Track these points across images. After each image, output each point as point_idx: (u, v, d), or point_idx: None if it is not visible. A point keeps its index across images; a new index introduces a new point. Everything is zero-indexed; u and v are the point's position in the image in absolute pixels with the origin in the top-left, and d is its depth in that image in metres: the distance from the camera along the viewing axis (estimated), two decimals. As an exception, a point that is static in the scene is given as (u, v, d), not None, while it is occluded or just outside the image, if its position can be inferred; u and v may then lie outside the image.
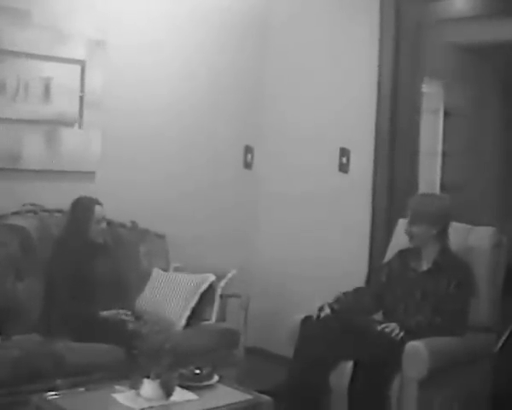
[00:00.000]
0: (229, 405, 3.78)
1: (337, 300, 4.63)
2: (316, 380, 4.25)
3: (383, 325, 4.31)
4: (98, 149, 5.40)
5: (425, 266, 4.54)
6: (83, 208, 4.94)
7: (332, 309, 4.52)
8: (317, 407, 4.28)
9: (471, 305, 4.44)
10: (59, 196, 5.06)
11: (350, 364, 4.25)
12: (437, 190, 7.94)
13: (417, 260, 4.58)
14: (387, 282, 4.66)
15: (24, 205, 4.96)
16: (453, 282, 4.39)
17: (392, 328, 4.25)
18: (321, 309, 4.51)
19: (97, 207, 4.94)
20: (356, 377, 4.20)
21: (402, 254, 4.71)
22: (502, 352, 5.01)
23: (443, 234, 4.52)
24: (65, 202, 4.98)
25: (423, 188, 6.48)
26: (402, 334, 4.22)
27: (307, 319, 4.50)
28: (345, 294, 4.68)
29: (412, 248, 4.61)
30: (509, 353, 5.22)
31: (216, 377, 4.02)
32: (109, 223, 5.15)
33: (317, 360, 4.25)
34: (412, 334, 4.22)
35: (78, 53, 5.25)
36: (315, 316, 4.48)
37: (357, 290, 4.74)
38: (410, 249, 4.65)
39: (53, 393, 3.78)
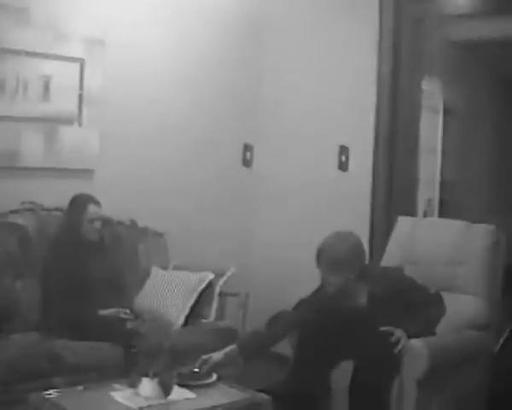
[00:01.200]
0: (227, 404, 3.76)
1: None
2: (316, 379, 4.25)
3: (387, 330, 4.14)
4: (97, 147, 5.41)
5: (362, 300, 4.29)
6: (76, 207, 4.94)
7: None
8: (317, 406, 4.28)
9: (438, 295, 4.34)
10: (58, 195, 5.05)
11: (350, 363, 4.24)
12: (437, 187, 7.96)
13: (348, 299, 4.29)
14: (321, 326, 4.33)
15: (23, 203, 4.95)
16: (400, 292, 4.21)
17: (398, 336, 4.10)
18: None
19: (92, 206, 4.92)
20: (356, 376, 4.19)
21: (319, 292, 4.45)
22: (501, 351, 5.01)
23: (362, 273, 4.26)
24: (64, 201, 4.97)
25: (423, 185, 6.50)
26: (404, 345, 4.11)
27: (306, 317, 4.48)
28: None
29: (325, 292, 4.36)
30: (509, 352, 5.22)
31: (214, 376, 4.01)
32: (108, 221, 5.15)
33: (318, 359, 4.24)
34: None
35: (77, 51, 5.25)
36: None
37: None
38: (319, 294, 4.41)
39: (51, 391, 3.75)
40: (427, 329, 4.23)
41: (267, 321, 4.45)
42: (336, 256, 4.18)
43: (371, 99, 5.62)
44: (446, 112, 7.95)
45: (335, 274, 4.20)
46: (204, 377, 3.96)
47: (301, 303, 4.54)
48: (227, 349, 4.17)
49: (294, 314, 4.45)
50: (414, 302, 4.25)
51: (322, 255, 4.25)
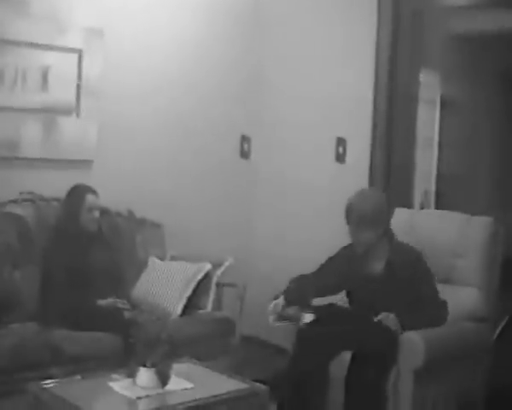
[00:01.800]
0: (225, 394, 3.78)
1: (287, 289, 4.54)
2: (315, 370, 4.26)
3: (380, 317, 4.21)
4: (95, 137, 5.41)
5: (378, 268, 4.39)
6: (75, 197, 4.95)
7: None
8: (314, 396, 4.30)
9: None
10: (56, 185, 5.06)
11: (348, 354, 4.25)
12: (433, 179, 7.97)
13: (366, 262, 4.42)
14: (338, 281, 4.54)
15: (21, 193, 4.96)
16: (417, 281, 4.28)
17: (391, 320, 4.17)
18: (276, 298, 4.47)
19: (90, 196, 4.94)
20: (353, 367, 4.21)
21: (346, 250, 4.55)
22: (498, 343, 5.02)
23: (388, 230, 4.39)
24: (62, 191, 4.98)
25: (419, 178, 6.51)
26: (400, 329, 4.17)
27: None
28: (291, 281, 4.60)
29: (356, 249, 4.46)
30: (505, 344, 5.24)
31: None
32: (106, 211, 5.16)
33: (317, 350, 4.25)
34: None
35: (76, 42, 5.25)
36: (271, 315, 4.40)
37: (301, 277, 4.63)
38: (354, 248, 4.49)
39: (49, 381, 3.78)
40: (418, 327, 4.20)
41: (289, 283, 4.56)
42: (365, 212, 4.28)
43: (369, 91, 5.62)
44: (444, 104, 7.95)
45: (365, 230, 4.30)
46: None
47: (322, 267, 4.64)
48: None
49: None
50: (421, 295, 4.27)
51: (351, 213, 4.35)
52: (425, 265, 4.38)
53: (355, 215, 4.32)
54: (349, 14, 5.77)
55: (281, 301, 4.44)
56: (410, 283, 4.27)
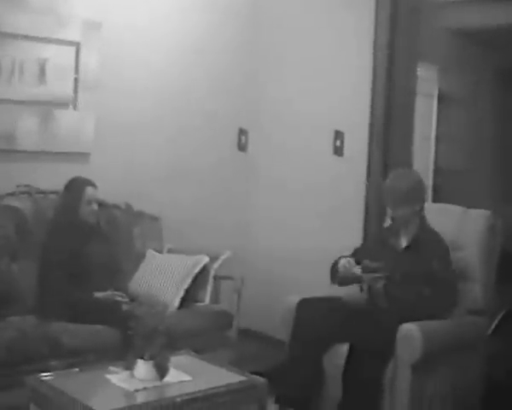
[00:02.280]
0: (223, 386, 3.78)
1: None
2: (309, 361, 4.27)
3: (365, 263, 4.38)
4: (93, 130, 5.40)
5: (404, 244, 4.53)
6: (74, 189, 4.95)
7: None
8: (310, 388, 4.31)
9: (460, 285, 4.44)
10: (54, 178, 5.06)
11: (345, 346, 4.26)
12: (430, 174, 7.99)
13: (396, 238, 4.57)
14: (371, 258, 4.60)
15: (18, 186, 4.95)
16: (435, 256, 4.37)
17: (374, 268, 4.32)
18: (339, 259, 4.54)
19: (89, 189, 4.94)
20: (351, 359, 4.22)
21: (381, 232, 4.73)
22: (494, 335, 5.03)
23: (421, 209, 4.52)
24: (60, 184, 4.98)
25: (417, 171, 6.51)
26: (383, 281, 4.30)
27: (303, 301, 4.51)
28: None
29: (391, 226, 4.62)
30: (502, 336, 5.25)
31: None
32: (103, 204, 5.16)
33: (312, 342, 4.27)
34: (396, 286, 4.29)
35: (74, 34, 5.24)
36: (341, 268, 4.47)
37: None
38: (389, 227, 4.67)
39: (48, 374, 3.78)
40: (420, 312, 4.24)
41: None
42: (402, 189, 4.43)
43: (367, 85, 5.62)
44: (441, 98, 7.97)
45: (402, 206, 4.43)
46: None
47: (357, 250, 4.74)
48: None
49: None
50: (435, 281, 4.30)
51: (388, 190, 4.51)
52: (445, 250, 4.45)
53: (391, 192, 4.49)
54: (347, 8, 5.77)
55: (351, 260, 4.50)
56: (427, 260, 4.35)
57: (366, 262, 4.40)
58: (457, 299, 4.39)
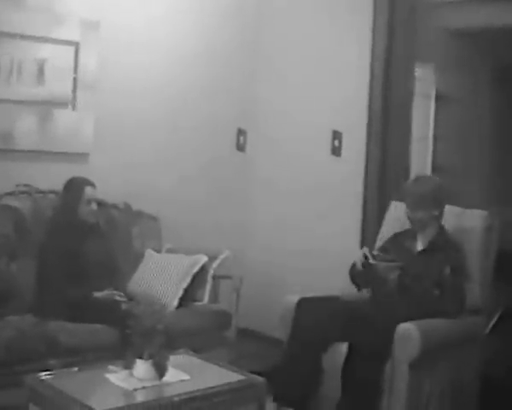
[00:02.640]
0: (222, 385, 3.79)
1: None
2: (308, 361, 4.28)
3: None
4: (92, 130, 5.41)
5: (420, 247, 4.58)
6: (73, 189, 4.96)
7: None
8: (309, 388, 4.32)
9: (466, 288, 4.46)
10: (52, 177, 5.06)
11: (344, 346, 4.27)
12: (428, 173, 7.98)
13: (412, 240, 4.62)
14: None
15: (17, 186, 4.96)
16: (448, 262, 4.40)
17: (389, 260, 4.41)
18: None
19: (88, 188, 4.94)
20: (350, 358, 4.23)
21: (397, 236, 4.75)
22: (491, 334, 5.04)
23: (440, 215, 4.56)
24: (58, 183, 4.98)
25: (415, 171, 6.52)
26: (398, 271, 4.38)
27: (302, 301, 4.52)
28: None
29: (408, 230, 4.65)
30: (499, 335, 5.26)
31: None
32: (102, 204, 5.16)
33: (311, 341, 4.28)
34: (406, 289, 4.34)
35: (72, 34, 5.25)
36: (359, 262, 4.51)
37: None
38: (405, 231, 4.69)
39: (46, 373, 3.78)
40: (427, 309, 4.29)
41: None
42: (421, 192, 4.51)
43: (365, 85, 5.63)
44: (439, 98, 7.97)
45: (420, 210, 4.50)
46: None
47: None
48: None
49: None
50: (445, 287, 4.34)
51: (408, 193, 4.60)
52: (460, 260, 4.50)
53: (410, 195, 4.57)
54: (345, 8, 5.78)
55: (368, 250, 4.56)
56: (440, 265, 4.40)
57: (381, 255, 4.49)
58: (464, 307, 4.41)
